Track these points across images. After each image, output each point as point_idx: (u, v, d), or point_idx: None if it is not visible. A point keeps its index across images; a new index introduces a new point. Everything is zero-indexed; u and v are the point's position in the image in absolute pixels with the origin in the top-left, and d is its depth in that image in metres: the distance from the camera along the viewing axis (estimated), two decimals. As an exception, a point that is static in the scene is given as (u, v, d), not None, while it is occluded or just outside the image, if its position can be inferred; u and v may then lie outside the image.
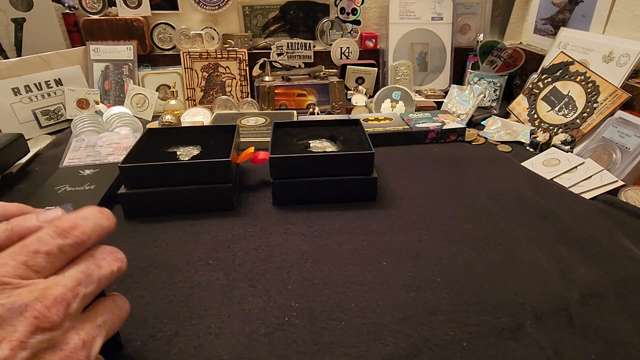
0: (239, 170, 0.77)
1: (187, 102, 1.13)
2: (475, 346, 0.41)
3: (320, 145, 0.72)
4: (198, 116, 1.01)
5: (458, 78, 1.22)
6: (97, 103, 1.03)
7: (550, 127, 0.91)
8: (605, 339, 0.42)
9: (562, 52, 0.97)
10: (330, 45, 1.19)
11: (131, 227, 0.60)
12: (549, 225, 0.61)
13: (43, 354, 0.21)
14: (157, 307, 0.46)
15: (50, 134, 0.99)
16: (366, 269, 0.52)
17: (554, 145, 0.86)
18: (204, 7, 1.11)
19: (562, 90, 0.93)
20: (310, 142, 0.73)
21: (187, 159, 0.65)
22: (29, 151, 0.81)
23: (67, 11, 1.10)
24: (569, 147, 0.84)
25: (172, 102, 1.05)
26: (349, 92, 1.15)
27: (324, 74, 1.12)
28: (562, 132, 0.88)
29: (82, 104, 1.03)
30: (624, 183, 0.69)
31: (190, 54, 1.11)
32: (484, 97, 1.09)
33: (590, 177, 0.72)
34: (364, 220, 0.62)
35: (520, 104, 1.01)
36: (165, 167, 0.61)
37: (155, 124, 0.94)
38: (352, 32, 1.20)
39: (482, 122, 1.02)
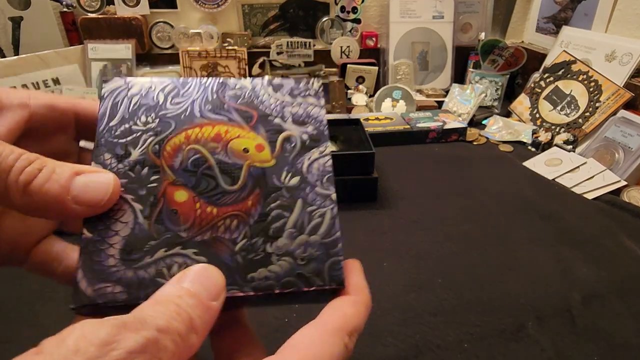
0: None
1: (187, 101, 1.12)
2: (476, 347, 0.41)
3: (320, 145, 0.71)
4: (197, 115, 1.01)
5: (459, 77, 1.22)
6: (96, 102, 1.03)
7: (552, 127, 0.91)
8: (607, 340, 0.42)
9: (564, 51, 0.96)
10: (331, 44, 1.19)
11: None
12: (550, 225, 0.61)
13: None
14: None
15: (48, 133, 0.99)
16: (366, 269, 0.51)
17: (556, 145, 0.85)
18: (203, 5, 1.11)
19: (564, 89, 0.92)
20: (310, 141, 0.72)
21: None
22: (27, 150, 0.81)
23: (65, 10, 1.09)
24: (571, 146, 0.83)
25: (172, 101, 1.04)
26: (349, 91, 1.15)
27: (324, 73, 1.11)
28: (564, 131, 0.88)
29: (81, 103, 1.03)
30: (626, 183, 0.69)
31: (189, 52, 1.10)
32: (486, 96, 1.08)
33: (593, 177, 0.72)
34: (364, 220, 0.62)
35: (522, 103, 1.01)
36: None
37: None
38: (352, 31, 1.19)
39: (483, 122, 1.01)
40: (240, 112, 0.22)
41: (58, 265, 0.23)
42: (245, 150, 0.21)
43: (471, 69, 1.18)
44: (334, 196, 0.22)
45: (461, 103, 1.03)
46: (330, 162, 0.22)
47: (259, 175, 0.21)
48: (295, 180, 0.21)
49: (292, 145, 0.22)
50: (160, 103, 0.22)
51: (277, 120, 0.22)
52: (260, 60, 1.12)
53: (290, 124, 0.22)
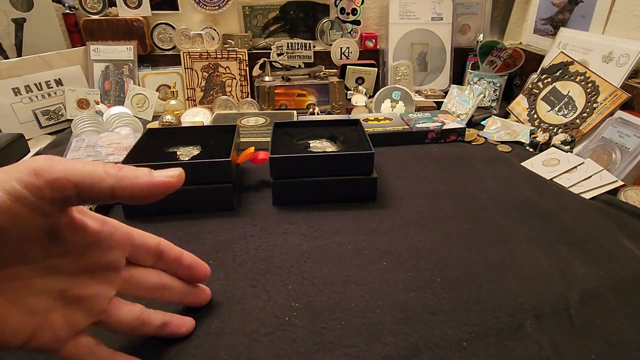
0: (239, 170, 0.77)
1: (187, 102, 1.13)
2: (475, 346, 0.41)
3: (320, 145, 0.72)
4: (198, 116, 1.01)
5: (458, 78, 1.22)
6: (97, 103, 1.03)
7: (550, 127, 0.91)
8: (605, 339, 0.42)
9: (561, 52, 0.97)
10: (330, 45, 1.19)
11: (131, 227, 0.60)
12: (548, 225, 0.61)
13: None
14: (157, 307, 0.46)
15: (50, 134, 0.99)
16: (366, 269, 0.52)
17: (553, 145, 0.86)
18: (204, 7, 1.12)
19: (561, 90, 0.93)
20: (310, 142, 0.73)
21: (187, 159, 0.65)
22: (29, 151, 0.82)
23: (68, 11, 1.10)
24: (568, 147, 0.84)
25: (172, 102, 1.05)
26: (348, 92, 1.15)
27: (324, 74, 1.12)
28: (561, 132, 0.88)
29: (83, 104, 1.04)
30: (623, 183, 0.69)
31: (191, 54, 1.11)
32: (484, 97, 1.09)
33: (590, 177, 0.72)
34: (364, 220, 0.62)
35: (520, 104, 1.01)
36: (165, 168, 0.61)
37: (155, 124, 0.94)
38: (352, 32, 1.20)
39: (482, 122, 1.02)
40: None
41: (91, 356, 0.31)
42: None
43: (470, 70, 1.18)
44: None
45: (460, 104, 1.04)
46: None
47: None
48: None
49: None
50: None
51: None
52: (261, 61, 1.12)
53: None
